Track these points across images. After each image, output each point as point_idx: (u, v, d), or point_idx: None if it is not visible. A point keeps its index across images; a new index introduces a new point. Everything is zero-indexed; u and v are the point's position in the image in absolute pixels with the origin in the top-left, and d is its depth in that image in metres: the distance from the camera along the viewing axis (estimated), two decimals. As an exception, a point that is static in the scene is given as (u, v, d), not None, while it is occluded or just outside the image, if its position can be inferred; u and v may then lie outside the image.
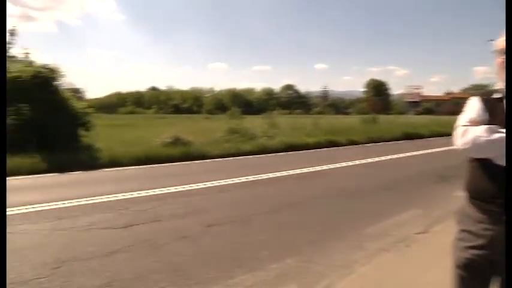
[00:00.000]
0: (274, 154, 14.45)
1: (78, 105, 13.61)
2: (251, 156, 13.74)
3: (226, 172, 10.00)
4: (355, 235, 5.17)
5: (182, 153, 12.75)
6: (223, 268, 4.06)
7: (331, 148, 16.85)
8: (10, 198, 6.99)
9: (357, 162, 12.12)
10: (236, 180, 8.82)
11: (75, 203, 6.65)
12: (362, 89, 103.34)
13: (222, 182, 8.53)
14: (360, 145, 18.22)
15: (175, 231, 5.19)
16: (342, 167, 11.24)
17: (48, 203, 6.58)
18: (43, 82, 12.30)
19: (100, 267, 4.04)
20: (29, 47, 14.02)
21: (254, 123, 20.71)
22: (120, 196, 7.14)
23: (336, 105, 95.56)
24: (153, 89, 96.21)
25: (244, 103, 71.31)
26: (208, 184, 8.33)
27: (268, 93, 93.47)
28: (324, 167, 10.93)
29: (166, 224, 5.56)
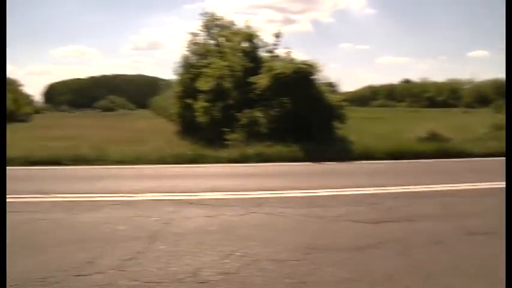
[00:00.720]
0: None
1: (333, 98, 14.07)
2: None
3: (490, 173, 8.64)
4: None
5: (437, 149, 11.73)
6: (481, 285, 3.43)
7: None
8: (273, 182, 7.77)
9: None
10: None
11: (327, 192, 6.82)
12: None
13: (486, 185, 7.33)
14: None
15: (429, 234, 4.70)
16: None
17: (303, 190, 6.95)
18: (302, 77, 13.22)
19: (348, 260, 3.95)
20: (290, 46, 15.20)
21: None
22: (372, 190, 6.99)
23: None
24: (406, 81, 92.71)
25: (512, 95, 61.56)
26: (470, 186, 7.32)
27: (545, 83, 78.46)
28: None
29: (420, 225, 5.10)
